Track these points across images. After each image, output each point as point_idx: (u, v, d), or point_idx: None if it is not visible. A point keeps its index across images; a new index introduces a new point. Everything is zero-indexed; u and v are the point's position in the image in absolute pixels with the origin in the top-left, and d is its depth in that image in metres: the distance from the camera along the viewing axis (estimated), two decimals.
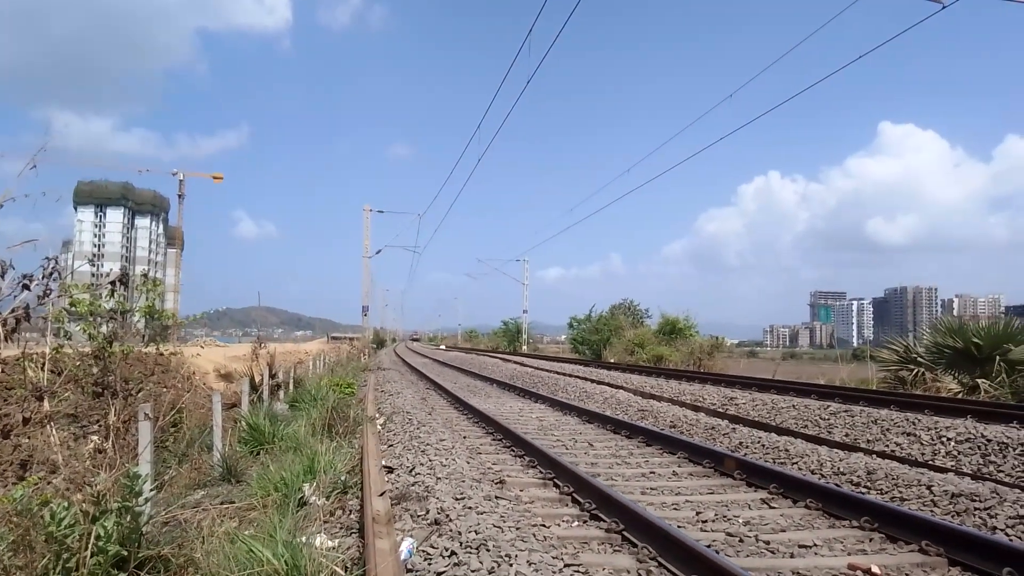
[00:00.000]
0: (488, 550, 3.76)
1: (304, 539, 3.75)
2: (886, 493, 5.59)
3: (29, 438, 4.90)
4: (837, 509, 4.98)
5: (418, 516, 4.52)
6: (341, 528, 4.72)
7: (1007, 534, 4.48)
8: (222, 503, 5.21)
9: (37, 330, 5.48)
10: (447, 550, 3.79)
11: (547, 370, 21.95)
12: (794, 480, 5.68)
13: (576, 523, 4.87)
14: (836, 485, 5.82)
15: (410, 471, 5.93)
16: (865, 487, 5.82)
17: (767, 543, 4.30)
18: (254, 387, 10.88)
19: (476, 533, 4.06)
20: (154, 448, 4.64)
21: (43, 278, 4.69)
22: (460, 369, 26.38)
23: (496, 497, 5.13)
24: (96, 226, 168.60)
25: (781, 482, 5.69)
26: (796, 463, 6.85)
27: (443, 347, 72.86)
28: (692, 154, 16.88)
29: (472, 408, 11.42)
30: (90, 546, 3.12)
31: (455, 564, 3.60)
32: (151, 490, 3.94)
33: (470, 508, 4.66)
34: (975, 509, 4.91)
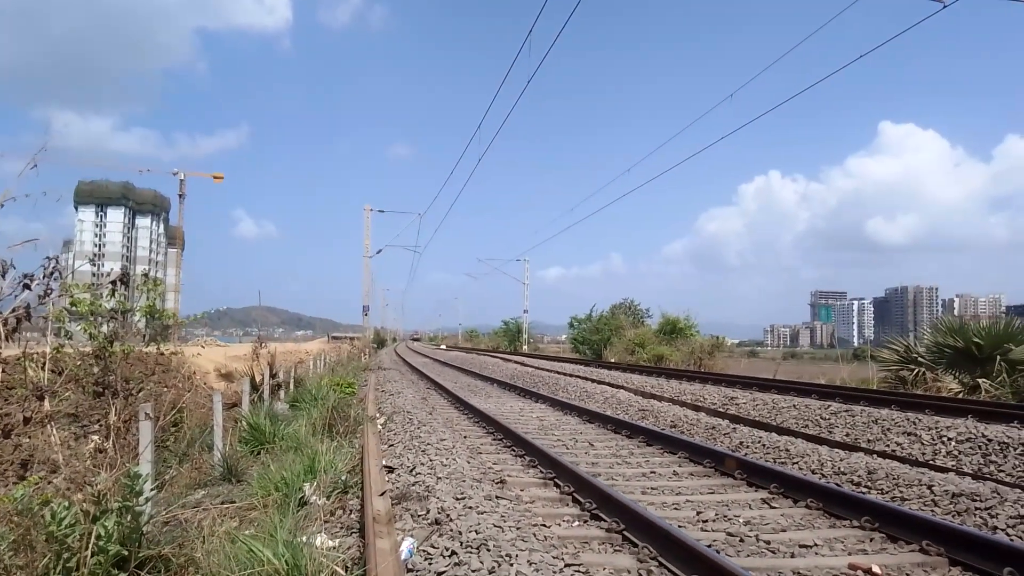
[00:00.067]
0: (489, 550, 3.76)
1: (305, 539, 3.75)
2: (887, 493, 5.59)
3: (30, 438, 4.90)
4: (838, 509, 4.98)
5: (419, 516, 4.52)
6: (342, 528, 4.71)
7: (1008, 534, 4.48)
8: (223, 503, 5.20)
9: (38, 330, 5.48)
10: (448, 550, 3.79)
11: (548, 370, 21.95)
12: (795, 480, 5.68)
13: (577, 523, 4.87)
14: (837, 485, 5.82)
15: (411, 471, 5.93)
16: (866, 487, 5.82)
17: (768, 543, 4.30)
18: (255, 387, 10.89)
19: (477, 533, 4.06)
20: (155, 448, 4.64)
21: (44, 278, 4.70)
22: (461, 369, 26.39)
23: (497, 497, 5.13)
24: (97, 226, 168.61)
25: (782, 482, 5.69)
26: (797, 463, 6.85)
27: (444, 347, 72.89)
28: (692, 154, 16.87)
29: (473, 408, 11.43)
30: (91, 546, 3.12)
31: (456, 564, 3.60)
32: (152, 490, 3.95)
33: (471, 508, 4.66)
34: (976, 509, 4.91)
